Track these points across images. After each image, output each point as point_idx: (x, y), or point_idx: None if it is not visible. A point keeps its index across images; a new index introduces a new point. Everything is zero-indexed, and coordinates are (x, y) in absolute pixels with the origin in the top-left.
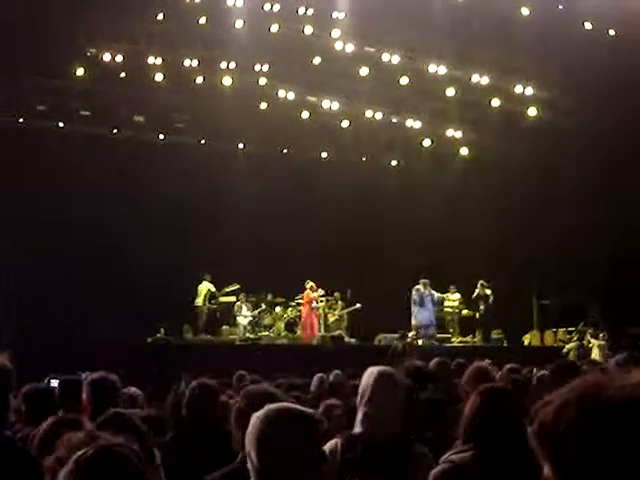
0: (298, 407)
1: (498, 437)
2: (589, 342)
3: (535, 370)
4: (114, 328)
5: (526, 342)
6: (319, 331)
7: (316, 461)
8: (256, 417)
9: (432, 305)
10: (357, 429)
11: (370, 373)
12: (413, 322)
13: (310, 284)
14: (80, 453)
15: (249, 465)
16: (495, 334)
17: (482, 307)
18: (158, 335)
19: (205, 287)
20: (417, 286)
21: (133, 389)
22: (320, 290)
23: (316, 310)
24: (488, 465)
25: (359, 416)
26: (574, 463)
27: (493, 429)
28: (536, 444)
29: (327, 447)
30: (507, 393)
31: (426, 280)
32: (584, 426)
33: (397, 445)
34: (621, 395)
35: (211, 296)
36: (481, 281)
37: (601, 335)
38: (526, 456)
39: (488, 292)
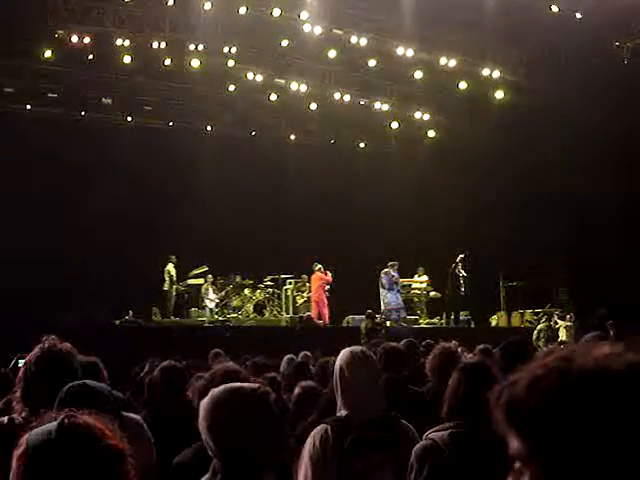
0: (244, 385)
1: (480, 413)
2: (556, 323)
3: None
4: (81, 311)
5: (493, 323)
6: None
7: (274, 436)
8: (204, 402)
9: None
10: (343, 411)
11: (349, 354)
12: (383, 304)
13: (318, 266)
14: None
15: (209, 451)
16: (463, 315)
17: (453, 289)
18: (126, 317)
19: (170, 269)
20: (386, 269)
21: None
22: (329, 273)
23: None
24: (469, 441)
25: (342, 398)
26: (550, 437)
27: (475, 405)
28: (504, 423)
29: (316, 434)
30: (487, 369)
31: (394, 263)
32: (558, 398)
33: (388, 421)
34: (592, 364)
35: (174, 280)
36: (461, 256)
37: (568, 316)
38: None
39: (461, 274)
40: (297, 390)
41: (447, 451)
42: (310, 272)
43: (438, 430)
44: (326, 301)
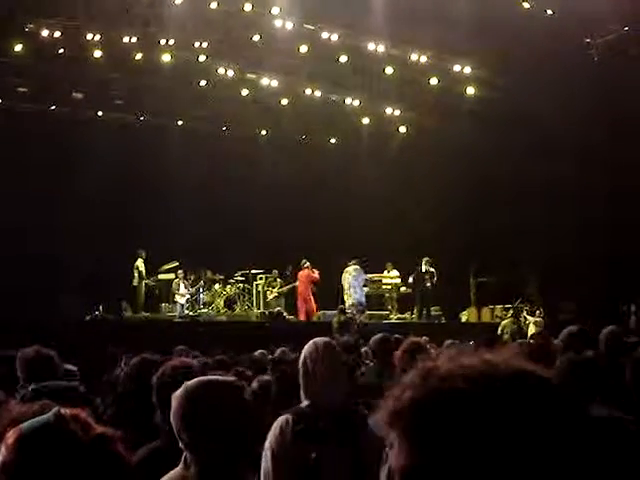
0: (218, 377)
1: None
2: (525, 319)
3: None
4: (52, 306)
5: (464, 319)
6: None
7: (248, 427)
8: (177, 395)
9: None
10: (305, 401)
11: (312, 344)
12: (349, 301)
13: (307, 264)
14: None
15: (180, 444)
16: (433, 311)
17: (424, 284)
18: (97, 313)
19: (140, 265)
20: (349, 268)
21: (70, 366)
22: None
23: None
24: None
25: (305, 388)
26: (439, 444)
27: None
28: (390, 423)
29: (277, 424)
30: None
31: (357, 260)
32: (415, 411)
33: (348, 413)
34: (438, 386)
35: (143, 275)
36: (426, 258)
37: (537, 312)
38: None
39: (432, 270)
40: (254, 384)
41: None
42: (297, 268)
43: None
44: (312, 297)
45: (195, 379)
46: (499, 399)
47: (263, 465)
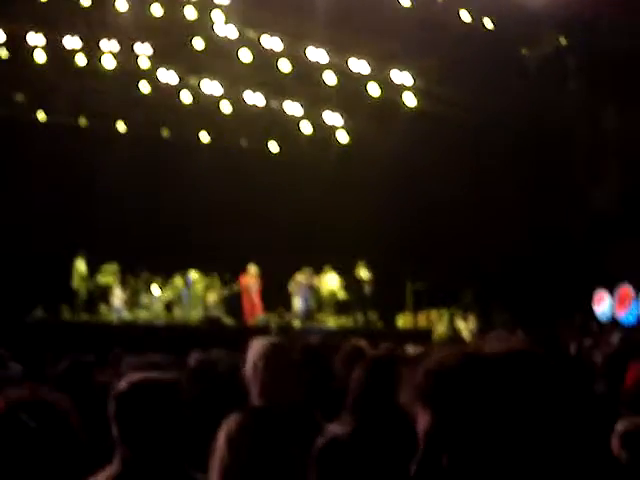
0: (153, 375)
1: (381, 408)
2: (458, 325)
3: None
4: None
5: (400, 323)
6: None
7: (179, 427)
8: (114, 393)
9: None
10: (256, 402)
11: (261, 345)
12: (295, 307)
13: (254, 268)
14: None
15: (117, 443)
16: (370, 316)
17: (361, 289)
18: (36, 314)
19: (79, 266)
20: (299, 276)
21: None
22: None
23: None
24: (369, 436)
25: (256, 388)
26: (452, 406)
27: (375, 400)
28: (415, 393)
29: (226, 423)
30: (391, 363)
31: (308, 268)
32: (464, 372)
33: (301, 415)
34: (495, 351)
35: (83, 276)
36: (362, 262)
37: (471, 318)
38: (404, 427)
39: (368, 275)
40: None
41: (349, 445)
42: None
43: (340, 424)
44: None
45: (129, 377)
46: (497, 368)
47: (211, 464)
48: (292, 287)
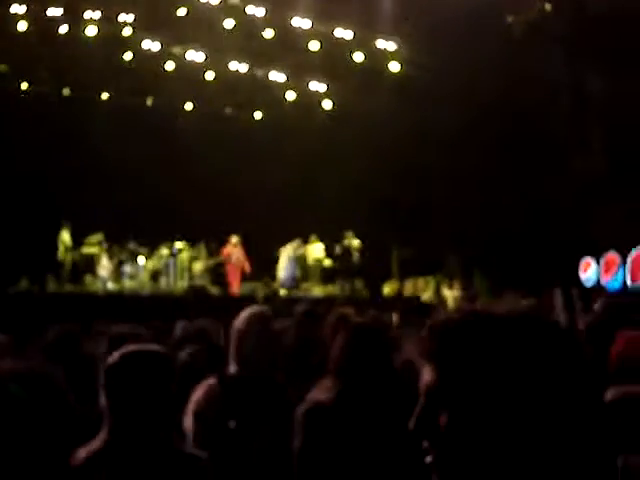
0: (146, 347)
1: (364, 372)
2: (444, 292)
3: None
4: None
5: (386, 292)
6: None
7: (170, 397)
8: (106, 364)
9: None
10: (231, 368)
11: (244, 312)
12: (281, 276)
13: (235, 238)
14: None
15: (104, 412)
16: (357, 284)
17: (347, 258)
18: (21, 285)
19: (64, 237)
20: (288, 246)
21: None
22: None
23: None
24: (352, 401)
25: (233, 355)
26: (457, 362)
27: (359, 364)
28: (422, 349)
29: (201, 387)
30: (374, 329)
31: (299, 239)
32: (471, 329)
33: (273, 384)
34: (504, 311)
35: (68, 247)
36: (350, 231)
37: (456, 285)
38: (391, 390)
39: (355, 244)
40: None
41: (333, 410)
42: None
43: (322, 390)
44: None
45: (123, 349)
46: (503, 328)
47: (185, 427)
48: (280, 256)
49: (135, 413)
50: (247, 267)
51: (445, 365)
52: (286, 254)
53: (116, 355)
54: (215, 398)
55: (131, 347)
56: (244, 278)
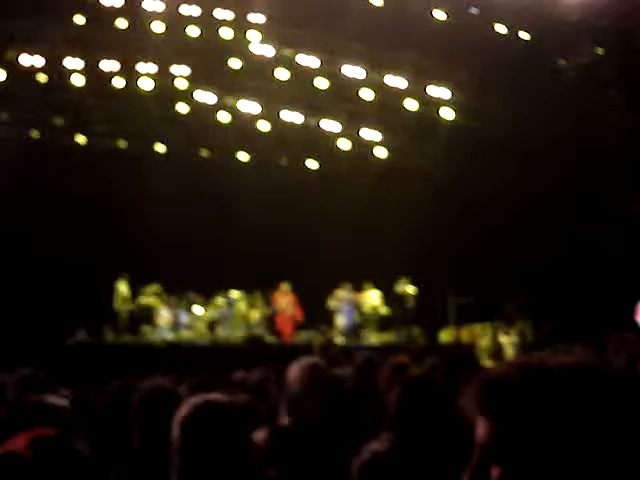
0: (223, 398)
1: (419, 424)
2: (501, 339)
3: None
4: (31, 329)
5: (443, 339)
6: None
7: (246, 453)
8: (179, 415)
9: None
10: (284, 420)
11: (297, 364)
12: (339, 323)
13: (284, 286)
14: None
15: (174, 464)
16: (413, 331)
17: (403, 305)
18: (79, 336)
19: (121, 288)
20: (339, 293)
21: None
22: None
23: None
24: (409, 452)
25: (286, 406)
26: (511, 417)
27: (414, 416)
28: (475, 403)
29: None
30: (428, 381)
31: (348, 284)
32: (525, 383)
33: (326, 435)
34: (559, 363)
35: (126, 298)
36: (403, 279)
37: (512, 332)
38: (447, 440)
39: (410, 290)
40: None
41: (390, 462)
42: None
43: (379, 441)
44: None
45: (201, 397)
46: (557, 382)
47: None
48: (333, 304)
49: (213, 473)
50: (299, 315)
51: (499, 419)
52: (338, 300)
53: (187, 407)
54: (261, 448)
55: (204, 397)
56: (300, 326)
